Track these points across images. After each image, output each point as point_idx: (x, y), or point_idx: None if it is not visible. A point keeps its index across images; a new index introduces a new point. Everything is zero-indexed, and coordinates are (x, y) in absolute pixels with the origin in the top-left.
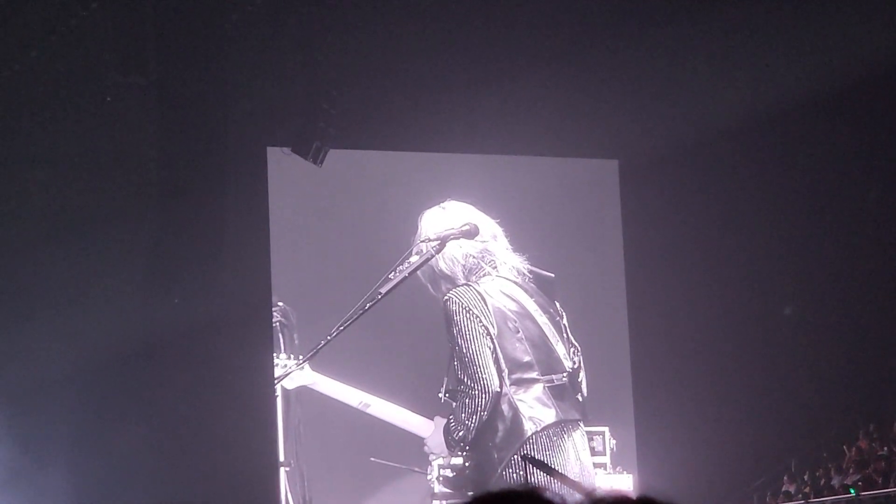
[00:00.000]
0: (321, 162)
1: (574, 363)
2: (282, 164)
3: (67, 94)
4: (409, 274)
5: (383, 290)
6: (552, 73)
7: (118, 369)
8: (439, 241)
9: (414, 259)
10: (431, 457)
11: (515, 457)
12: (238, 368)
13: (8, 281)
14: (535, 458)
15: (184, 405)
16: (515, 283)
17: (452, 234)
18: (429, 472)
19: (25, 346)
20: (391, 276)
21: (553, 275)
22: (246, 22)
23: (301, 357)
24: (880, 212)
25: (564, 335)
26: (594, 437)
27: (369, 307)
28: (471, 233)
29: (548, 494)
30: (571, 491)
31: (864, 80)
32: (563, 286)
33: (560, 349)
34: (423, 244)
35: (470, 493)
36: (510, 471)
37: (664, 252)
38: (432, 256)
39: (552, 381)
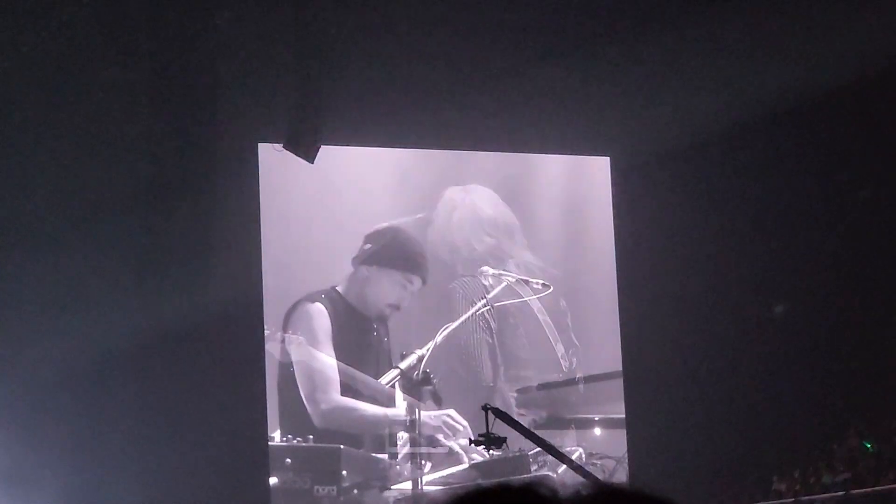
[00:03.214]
0: (313, 158)
1: (571, 364)
2: (273, 159)
3: (58, 89)
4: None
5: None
6: (546, 71)
7: (110, 364)
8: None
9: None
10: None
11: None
12: (230, 360)
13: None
14: (497, 409)
15: (177, 397)
16: (522, 279)
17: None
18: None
19: (20, 342)
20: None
21: (558, 272)
22: (238, 19)
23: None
24: (871, 211)
25: (566, 335)
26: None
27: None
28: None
29: (541, 489)
30: (566, 483)
31: (855, 82)
32: (556, 278)
33: (559, 349)
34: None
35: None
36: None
37: (655, 246)
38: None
39: (547, 380)
